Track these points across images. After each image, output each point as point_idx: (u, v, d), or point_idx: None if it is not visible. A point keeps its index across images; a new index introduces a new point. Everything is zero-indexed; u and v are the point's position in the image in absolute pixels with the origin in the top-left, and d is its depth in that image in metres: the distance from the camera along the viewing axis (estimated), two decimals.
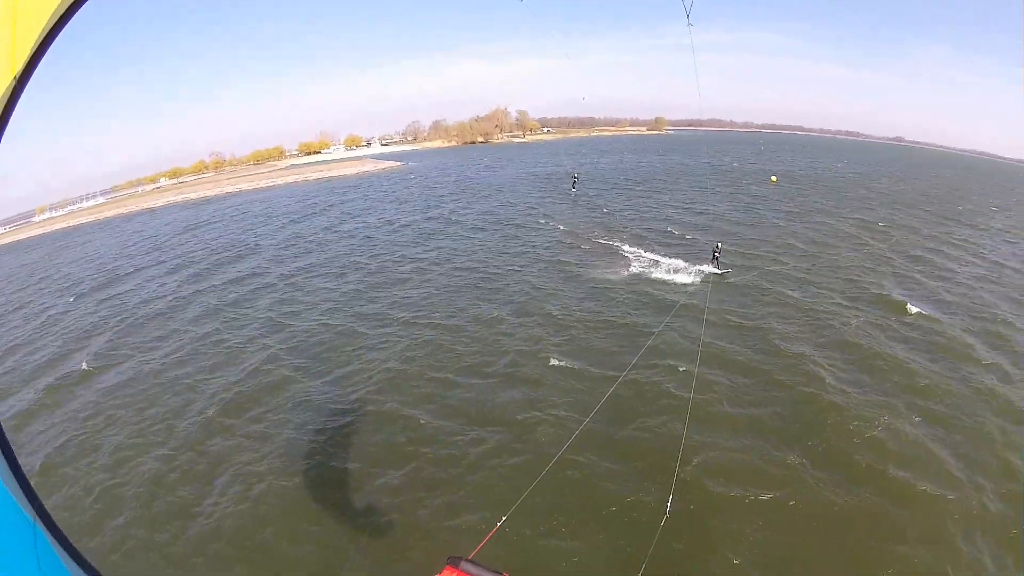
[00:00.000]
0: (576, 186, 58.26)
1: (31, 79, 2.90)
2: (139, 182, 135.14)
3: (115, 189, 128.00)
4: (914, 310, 25.59)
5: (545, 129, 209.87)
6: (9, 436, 3.04)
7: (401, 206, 57.77)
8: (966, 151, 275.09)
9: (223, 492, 14.44)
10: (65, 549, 3.19)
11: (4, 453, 3.11)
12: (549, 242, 38.10)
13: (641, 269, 31.12)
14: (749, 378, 18.89)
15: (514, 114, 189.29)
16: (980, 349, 21.80)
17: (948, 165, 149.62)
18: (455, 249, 37.41)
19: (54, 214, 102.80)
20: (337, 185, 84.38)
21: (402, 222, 48.13)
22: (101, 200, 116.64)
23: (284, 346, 23.07)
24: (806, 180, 77.39)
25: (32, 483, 3.14)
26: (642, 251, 34.68)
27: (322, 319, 25.99)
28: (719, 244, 30.69)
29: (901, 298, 27.02)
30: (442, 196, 62.94)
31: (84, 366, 23.02)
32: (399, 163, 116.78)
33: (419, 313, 25.85)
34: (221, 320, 26.90)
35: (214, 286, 32.89)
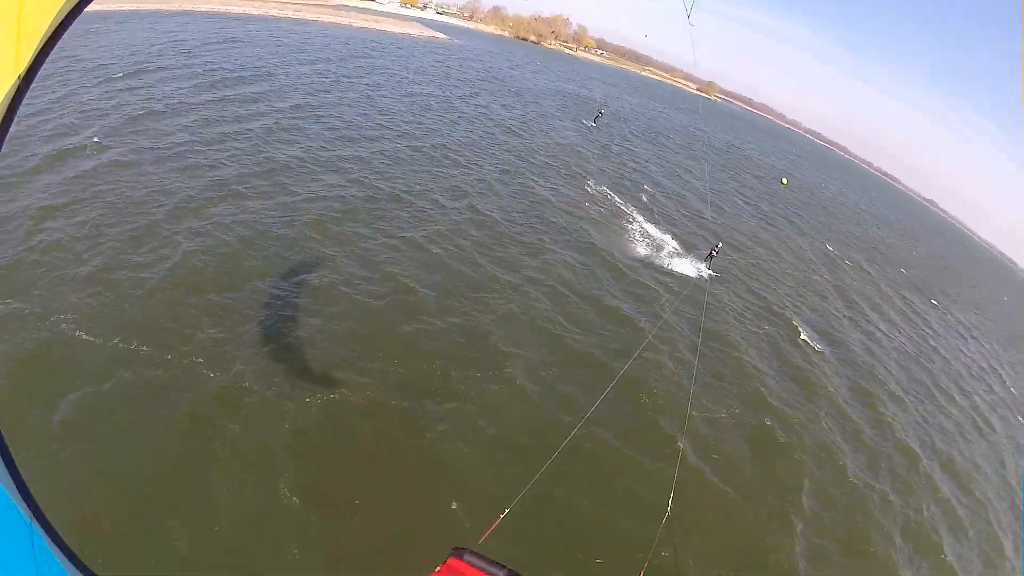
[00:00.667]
0: (598, 120, 58.18)
1: (36, 78, 2.87)
2: None
3: None
4: (815, 345, 26.73)
5: (599, 51, 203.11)
6: (6, 431, 3.10)
7: (418, 77, 58.85)
8: (989, 244, 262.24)
9: (175, 266, 17.89)
10: (62, 551, 3.19)
11: (2, 455, 3.11)
12: (531, 160, 40.10)
13: (594, 209, 33.35)
14: (620, 327, 21.41)
15: (574, 25, 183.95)
16: (848, 401, 23.22)
17: (963, 246, 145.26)
18: (440, 131, 39.70)
19: None
20: (376, 39, 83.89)
21: (409, 91, 49.87)
22: None
23: (259, 168, 26.14)
24: (810, 195, 77.41)
25: (30, 486, 3.14)
26: (609, 194, 37.06)
27: (296, 154, 28.92)
28: (719, 244, 29.90)
29: (807, 328, 28.22)
30: (462, 80, 63.75)
31: (88, 143, 25.18)
32: (445, 36, 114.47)
33: (372, 175, 28.80)
34: (217, 131, 29.66)
35: (225, 99, 35.19)
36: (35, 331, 14.10)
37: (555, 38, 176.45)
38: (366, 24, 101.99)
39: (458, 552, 5.17)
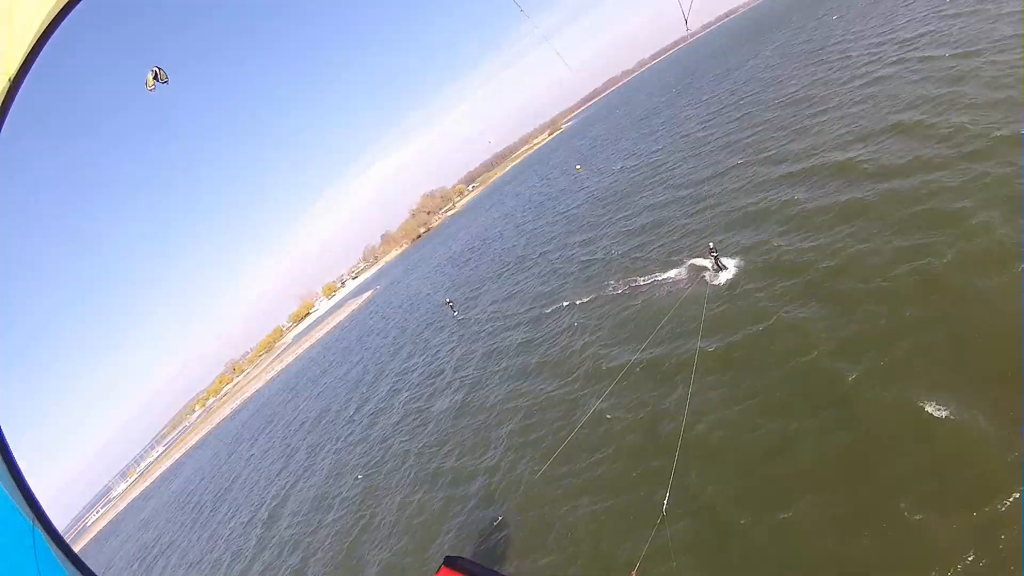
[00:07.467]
0: (456, 310, 50.87)
1: (25, 80, 2.91)
2: (181, 418, 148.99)
3: (162, 437, 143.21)
4: None
5: (471, 187, 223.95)
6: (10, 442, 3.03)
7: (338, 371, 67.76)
8: None
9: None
10: (63, 551, 3.20)
11: (4, 457, 3.13)
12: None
13: None
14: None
15: (438, 194, 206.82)
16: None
17: None
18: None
19: (140, 468, 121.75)
20: (333, 339, 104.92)
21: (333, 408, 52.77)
22: (160, 449, 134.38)
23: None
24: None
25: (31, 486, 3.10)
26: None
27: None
28: (712, 245, 24.93)
29: None
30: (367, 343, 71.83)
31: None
32: (370, 292, 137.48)
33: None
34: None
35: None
36: None
37: (435, 214, 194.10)
38: (322, 331, 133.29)
39: (451, 561, 4.81)
